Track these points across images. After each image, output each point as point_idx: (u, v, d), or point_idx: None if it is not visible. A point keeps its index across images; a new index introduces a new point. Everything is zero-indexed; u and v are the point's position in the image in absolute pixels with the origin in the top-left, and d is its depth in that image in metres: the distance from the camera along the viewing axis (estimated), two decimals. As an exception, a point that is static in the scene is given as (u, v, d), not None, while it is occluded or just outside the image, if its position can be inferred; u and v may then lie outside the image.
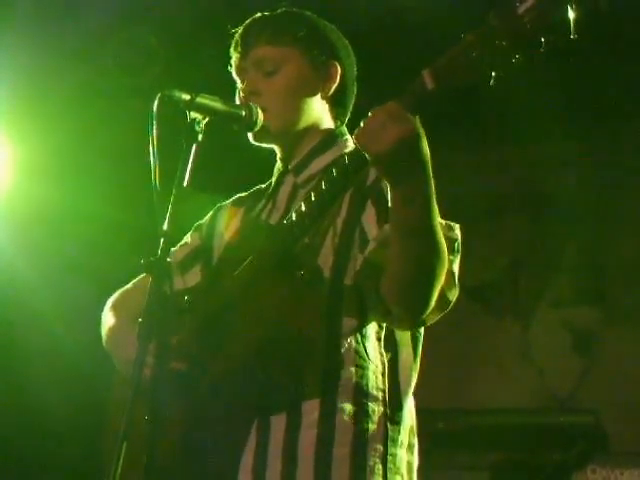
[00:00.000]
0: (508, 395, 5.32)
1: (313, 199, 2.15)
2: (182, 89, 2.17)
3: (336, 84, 2.47)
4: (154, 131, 2.08)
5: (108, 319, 2.57)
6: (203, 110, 2.18)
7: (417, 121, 1.97)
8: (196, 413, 2.24)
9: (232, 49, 2.51)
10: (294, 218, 2.18)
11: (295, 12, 2.52)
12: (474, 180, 5.56)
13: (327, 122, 2.49)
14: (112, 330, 2.53)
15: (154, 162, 2.06)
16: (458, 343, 5.34)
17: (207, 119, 2.18)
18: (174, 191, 2.09)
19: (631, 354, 5.20)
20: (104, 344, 2.56)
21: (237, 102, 2.46)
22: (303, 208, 2.16)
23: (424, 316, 2.15)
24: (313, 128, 2.46)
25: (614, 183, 5.43)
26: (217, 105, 2.25)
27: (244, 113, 2.34)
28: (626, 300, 5.36)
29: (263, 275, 2.20)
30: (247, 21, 2.51)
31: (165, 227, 2.07)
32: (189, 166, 2.12)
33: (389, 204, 2.06)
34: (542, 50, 1.87)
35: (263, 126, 2.39)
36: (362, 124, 1.99)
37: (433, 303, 2.12)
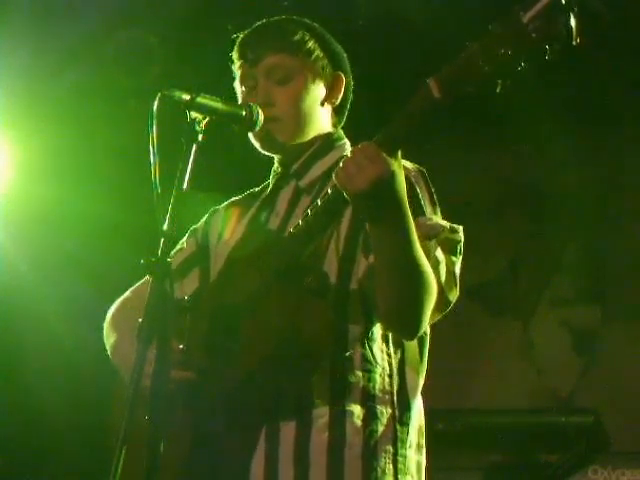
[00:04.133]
0: (508, 395, 5.32)
1: (320, 205, 2.15)
2: (182, 89, 2.17)
3: (341, 94, 2.49)
4: (154, 131, 2.07)
5: (110, 333, 2.56)
6: (203, 110, 2.18)
7: (397, 158, 2.00)
8: (204, 422, 2.24)
9: (236, 55, 2.49)
10: (301, 225, 2.18)
11: (299, 20, 2.51)
12: (474, 180, 5.55)
13: (328, 129, 2.51)
14: (116, 346, 2.51)
15: (154, 162, 2.05)
16: (458, 343, 5.33)
17: (207, 119, 2.18)
18: (174, 191, 2.09)
19: (631, 354, 5.20)
20: (110, 358, 2.55)
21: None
22: (310, 214, 2.17)
23: (418, 333, 2.20)
24: (316, 135, 2.47)
25: (614, 183, 5.43)
26: (217, 105, 2.24)
27: (244, 113, 2.33)
28: (626, 300, 5.36)
29: (271, 283, 2.22)
30: (253, 27, 2.49)
31: (165, 227, 2.06)
32: (189, 166, 2.12)
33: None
34: (547, 58, 1.88)
35: (273, 136, 2.41)
36: (341, 164, 2.02)
37: (425, 324, 2.17)
